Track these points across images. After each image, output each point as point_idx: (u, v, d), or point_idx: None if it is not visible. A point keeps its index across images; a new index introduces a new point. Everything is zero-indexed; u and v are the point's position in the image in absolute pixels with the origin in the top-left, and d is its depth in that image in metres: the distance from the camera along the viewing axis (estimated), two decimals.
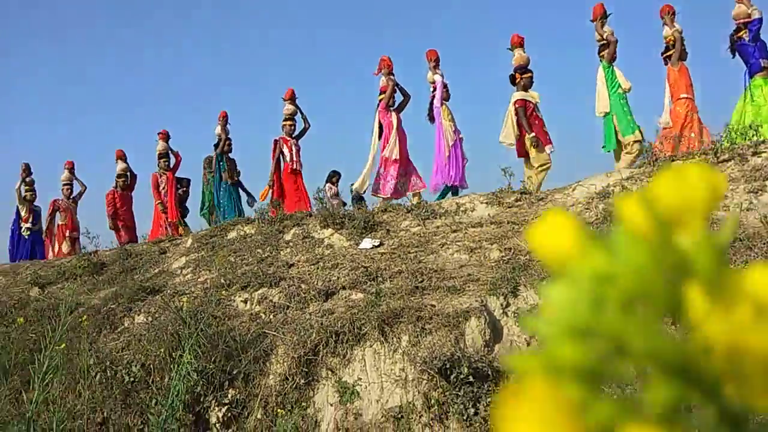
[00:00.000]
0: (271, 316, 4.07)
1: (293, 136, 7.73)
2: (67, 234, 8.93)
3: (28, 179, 9.29)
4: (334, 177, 9.97)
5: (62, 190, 9.26)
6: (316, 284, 4.26)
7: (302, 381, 3.53)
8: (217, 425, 3.51)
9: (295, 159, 7.61)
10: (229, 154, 8.44)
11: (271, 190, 7.65)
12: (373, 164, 6.99)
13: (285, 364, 3.61)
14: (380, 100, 7.01)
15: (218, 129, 8.36)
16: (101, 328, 4.28)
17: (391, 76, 7.02)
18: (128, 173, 8.84)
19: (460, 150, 6.86)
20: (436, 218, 4.97)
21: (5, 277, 7.14)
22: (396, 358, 3.40)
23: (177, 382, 2.69)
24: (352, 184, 7.24)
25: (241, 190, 8.51)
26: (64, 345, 2.42)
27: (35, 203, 9.39)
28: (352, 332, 3.59)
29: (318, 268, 4.58)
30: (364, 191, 7.13)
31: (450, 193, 6.71)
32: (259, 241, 5.46)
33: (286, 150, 7.62)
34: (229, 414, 3.52)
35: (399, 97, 7.11)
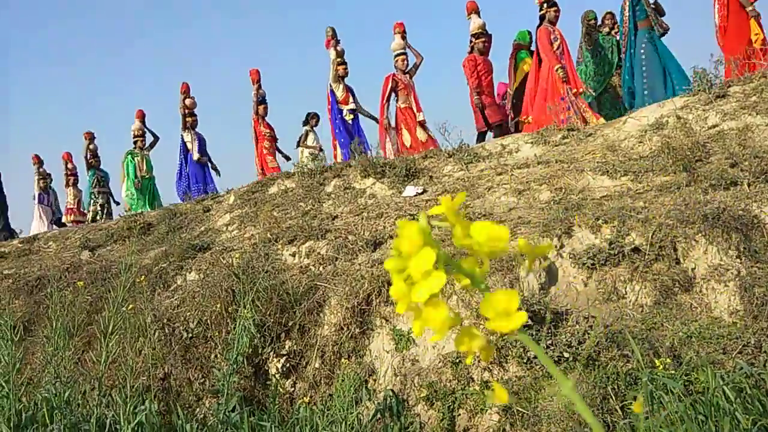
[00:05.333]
0: (321, 268, 4.07)
1: None
2: (420, 118, 6.86)
3: (338, 48, 7.30)
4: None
5: (396, 61, 7.03)
6: (363, 235, 4.22)
7: (357, 330, 3.55)
8: (277, 375, 3.57)
9: None
10: None
11: None
12: None
13: (339, 314, 3.63)
14: None
15: None
16: (155, 287, 4.37)
17: None
18: (487, 31, 6.70)
19: None
20: (479, 162, 4.85)
21: (55, 243, 7.34)
22: (450, 304, 3.38)
23: (239, 335, 2.72)
24: None
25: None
26: (132, 306, 2.45)
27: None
28: None
29: (363, 219, 4.54)
30: None
31: None
32: (300, 195, 5.44)
33: None
34: (288, 364, 3.58)
35: None
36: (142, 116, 8.85)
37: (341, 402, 2.83)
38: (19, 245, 7.48)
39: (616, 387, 2.74)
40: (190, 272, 4.48)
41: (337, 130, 7.36)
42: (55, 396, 2.96)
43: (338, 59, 7.30)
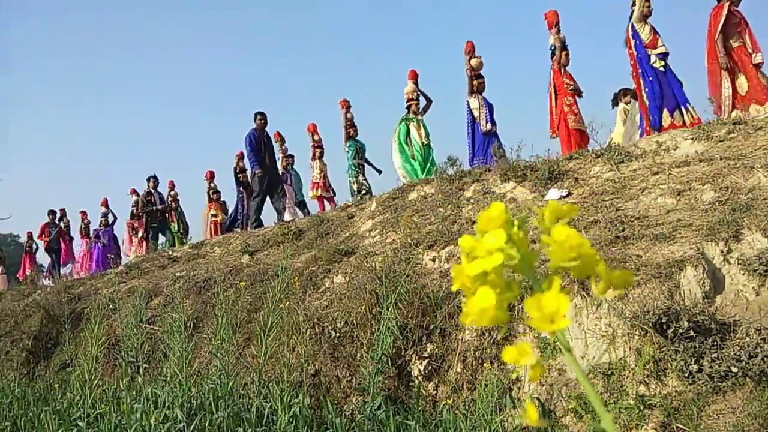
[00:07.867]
0: None
1: None
2: (758, 60, 5.78)
3: None
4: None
5: None
6: None
7: (499, 336, 3.48)
8: (419, 377, 3.62)
9: None
10: None
11: None
12: None
13: None
14: None
15: None
16: (306, 289, 4.64)
17: None
18: None
19: None
20: (631, 161, 4.55)
21: (219, 247, 8.09)
22: (600, 312, 3.20)
23: (383, 336, 2.80)
24: None
25: None
26: (287, 304, 2.63)
27: None
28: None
29: None
30: None
31: None
32: (439, 200, 5.48)
33: None
34: (430, 367, 3.61)
35: None
36: (415, 77, 7.73)
37: (484, 407, 2.80)
38: (189, 250, 8.35)
39: None
40: (337, 275, 4.70)
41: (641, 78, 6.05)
42: (220, 387, 3.25)
43: None
